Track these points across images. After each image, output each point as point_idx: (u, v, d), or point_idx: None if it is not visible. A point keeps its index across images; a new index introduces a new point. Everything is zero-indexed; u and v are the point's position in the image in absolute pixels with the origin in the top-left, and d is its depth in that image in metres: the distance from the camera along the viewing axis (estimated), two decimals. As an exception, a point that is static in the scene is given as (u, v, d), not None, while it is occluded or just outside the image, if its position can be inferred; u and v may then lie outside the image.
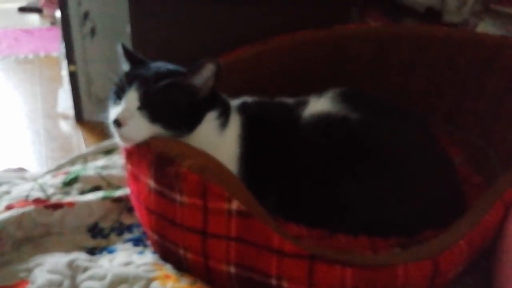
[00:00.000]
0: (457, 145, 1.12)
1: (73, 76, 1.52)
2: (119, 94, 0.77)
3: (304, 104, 0.90)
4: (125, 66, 0.85)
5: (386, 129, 0.86)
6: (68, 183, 0.96)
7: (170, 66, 0.83)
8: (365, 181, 0.81)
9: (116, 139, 0.78)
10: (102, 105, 1.53)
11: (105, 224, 0.89)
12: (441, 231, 0.73)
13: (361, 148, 0.83)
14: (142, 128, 0.75)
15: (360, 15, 1.50)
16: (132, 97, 0.75)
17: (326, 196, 0.83)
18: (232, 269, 0.68)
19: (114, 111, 0.76)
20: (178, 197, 0.69)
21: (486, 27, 1.26)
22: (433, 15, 1.42)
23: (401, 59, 1.20)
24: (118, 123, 0.74)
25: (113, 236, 0.87)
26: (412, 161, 0.84)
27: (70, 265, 0.72)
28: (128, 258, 0.77)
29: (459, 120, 1.16)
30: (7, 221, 0.79)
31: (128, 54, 0.84)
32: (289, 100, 0.94)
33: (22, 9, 3.37)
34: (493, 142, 1.07)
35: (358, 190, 0.81)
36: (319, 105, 0.89)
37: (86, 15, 1.46)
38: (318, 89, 0.93)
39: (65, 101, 1.63)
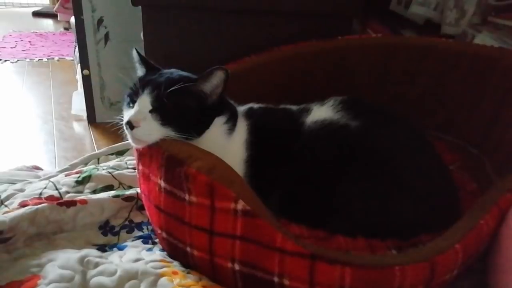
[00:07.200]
0: (453, 152, 1.12)
1: (86, 80, 1.55)
2: (133, 98, 0.80)
3: (307, 111, 0.93)
4: (139, 72, 0.88)
5: (384, 136, 0.87)
6: (81, 182, 0.99)
7: (182, 73, 0.85)
8: (363, 186, 0.83)
9: (129, 140, 0.79)
10: (114, 108, 1.59)
11: (116, 222, 0.91)
12: (436, 235, 0.73)
13: (360, 154, 0.84)
14: (153, 130, 0.77)
15: (361, 27, 1.52)
16: (144, 100, 0.78)
17: (326, 199, 0.84)
18: (237, 266, 0.70)
19: (127, 114, 0.79)
20: (186, 196, 0.71)
21: (484, 39, 1.26)
22: (432, 27, 1.42)
23: (400, 69, 1.21)
24: (131, 125, 0.76)
25: (123, 234, 0.89)
26: (409, 167, 0.85)
27: (81, 261, 0.73)
28: (137, 254, 0.79)
29: (455, 128, 1.17)
30: (21, 218, 0.79)
31: (143, 59, 0.87)
32: (293, 107, 0.96)
33: (36, 14, 3.43)
34: (488, 151, 1.08)
35: (356, 194, 0.82)
36: (321, 112, 0.91)
37: (100, 22, 1.49)
38: (321, 97, 0.95)
39: (78, 103, 1.66)
